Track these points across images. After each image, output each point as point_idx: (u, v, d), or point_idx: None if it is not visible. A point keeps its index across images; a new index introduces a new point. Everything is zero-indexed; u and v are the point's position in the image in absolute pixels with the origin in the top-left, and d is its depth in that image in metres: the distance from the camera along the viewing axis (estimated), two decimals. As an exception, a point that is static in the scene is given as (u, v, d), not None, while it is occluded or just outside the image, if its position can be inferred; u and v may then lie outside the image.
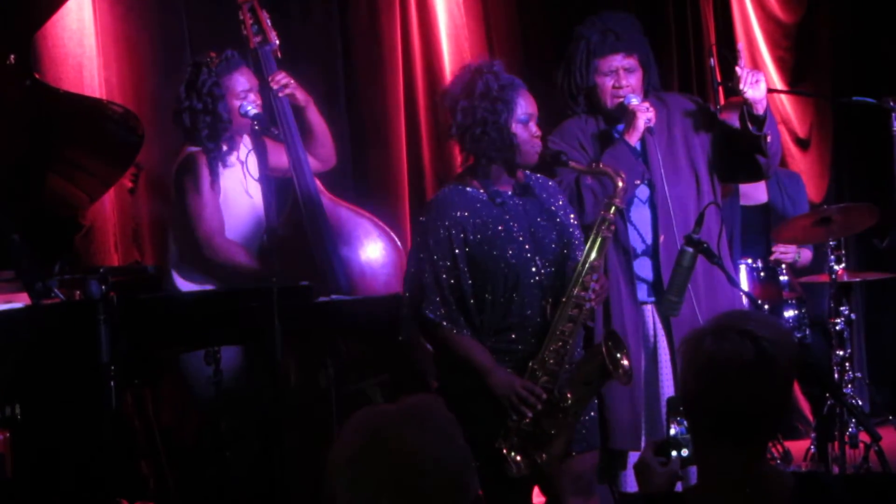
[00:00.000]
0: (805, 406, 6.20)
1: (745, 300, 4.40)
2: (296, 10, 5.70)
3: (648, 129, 4.28)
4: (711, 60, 6.33)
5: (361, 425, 2.01)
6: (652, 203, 4.35)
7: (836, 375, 5.44)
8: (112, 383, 3.81)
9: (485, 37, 6.24)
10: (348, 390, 4.21)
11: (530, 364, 3.75)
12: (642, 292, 4.35)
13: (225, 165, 4.61)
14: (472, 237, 3.77)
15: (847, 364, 5.48)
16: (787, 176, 6.15)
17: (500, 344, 3.79)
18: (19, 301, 4.08)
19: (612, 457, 4.28)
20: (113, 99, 5.06)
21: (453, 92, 3.87)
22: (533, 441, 3.72)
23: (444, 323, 3.75)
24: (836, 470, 5.25)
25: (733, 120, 4.39)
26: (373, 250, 4.77)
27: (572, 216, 3.97)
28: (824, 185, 7.05)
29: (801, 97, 7.01)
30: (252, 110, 4.54)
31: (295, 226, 4.67)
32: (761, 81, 4.25)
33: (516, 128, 3.81)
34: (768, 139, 4.30)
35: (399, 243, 4.81)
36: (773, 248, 5.81)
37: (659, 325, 4.33)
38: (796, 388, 6.07)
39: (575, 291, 3.77)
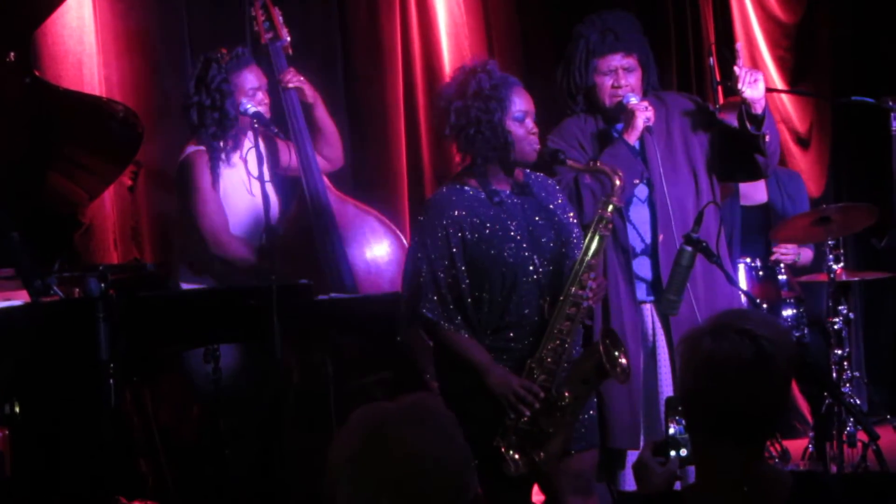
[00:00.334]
0: (803, 405, 6.20)
1: (743, 299, 4.41)
2: (295, 9, 5.70)
3: (647, 129, 4.29)
4: (710, 60, 6.33)
5: (361, 424, 2.01)
6: (651, 202, 4.35)
7: (834, 375, 5.45)
8: (111, 381, 3.82)
9: (485, 36, 6.24)
10: (348, 388, 4.21)
11: (528, 363, 3.76)
12: (641, 291, 4.35)
13: (228, 163, 4.62)
14: (469, 236, 3.78)
15: (845, 363, 5.48)
16: (786, 175, 6.15)
17: (498, 342, 3.80)
18: (19, 299, 4.08)
19: (611, 456, 4.28)
20: (113, 96, 5.06)
21: (447, 93, 3.88)
22: (531, 440, 3.73)
23: (442, 322, 3.75)
24: (834, 469, 5.25)
25: (732, 119, 4.39)
26: (378, 248, 4.78)
27: (571, 215, 3.97)
28: (823, 184, 7.05)
29: (801, 96, 7.02)
30: (252, 108, 4.54)
31: (299, 224, 4.68)
32: (760, 81, 4.25)
33: (511, 125, 3.81)
34: (767, 138, 4.30)
35: (405, 241, 4.82)
36: (774, 249, 5.81)
37: (658, 325, 4.34)
38: (794, 387, 6.07)
39: (572, 290, 3.78)
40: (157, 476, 4.58)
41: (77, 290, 4.21)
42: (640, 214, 4.36)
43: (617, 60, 4.37)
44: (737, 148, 4.37)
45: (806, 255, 5.92)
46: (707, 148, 4.43)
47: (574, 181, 4.23)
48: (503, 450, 3.71)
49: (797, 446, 5.78)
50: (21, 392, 3.87)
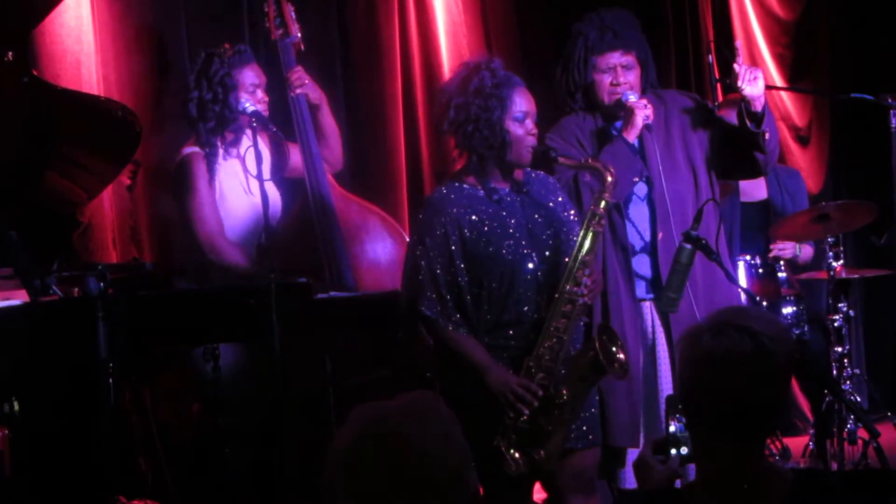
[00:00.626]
0: (804, 403, 6.20)
1: (743, 297, 4.40)
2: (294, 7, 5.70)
3: (647, 126, 4.28)
4: (710, 57, 6.32)
5: (361, 421, 2.01)
6: (650, 200, 4.35)
7: (834, 372, 5.45)
8: (110, 380, 3.81)
9: (483, 34, 6.24)
10: (348, 387, 4.21)
11: (526, 361, 3.75)
12: (641, 289, 4.35)
13: (226, 160, 4.61)
14: (468, 234, 3.78)
15: (845, 360, 5.48)
16: (786, 173, 6.15)
17: (497, 340, 3.80)
18: (17, 298, 4.08)
19: (611, 454, 4.28)
20: (111, 96, 5.06)
21: (449, 88, 3.88)
22: (531, 438, 3.72)
23: (440, 320, 3.75)
24: (834, 466, 5.25)
25: (731, 117, 4.39)
26: (381, 247, 4.78)
27: (572, 213, 3.97)
28: (823, 181, 7.05)
29: (800, 93, 7.01)
30: (250, 107, 4.54)
31: (301, 222, 4.67)
32: (759, 78, 4.25)
33: (511, 125, 3.81)
34: (766, 136, 4.30)
35: (407, 240, 4.82)
36: (772, 246, 5.81)
37: (658, 322, 4.33)
38: (795, 384, 6.08)
39: (567, 287, 3.77)
40: (156, 475, 4.58)
41: (76, 289, 4.21)
42: (639, 212, 4.36)
43: (616, 58, 4.36)
44: (736, 145, 4.37)
45: (806, 251, 5.92)
46: (706, 146, 4.43)
47: (573, 179, 4.23)
48: (503, 449, 3.71)
49: (798, 444, 5.78)
50: (20, 391, 3.87)
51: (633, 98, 4.31)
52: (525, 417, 3.71)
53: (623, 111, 4.32)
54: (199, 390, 4.31)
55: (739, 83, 4.22)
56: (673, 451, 2.56)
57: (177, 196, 4.65)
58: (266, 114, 4.60)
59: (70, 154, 4.48)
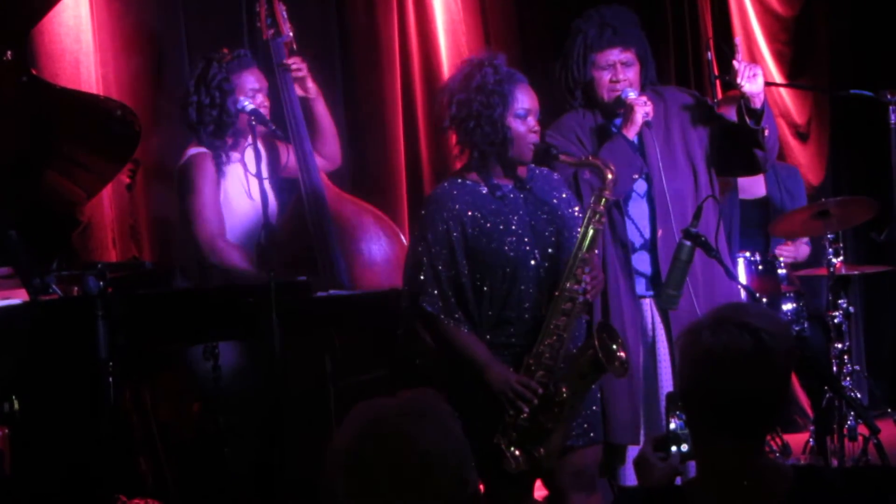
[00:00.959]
0: (804, 399, 6.20)
1: (743, 293, 4.40)
2: (293, 5, 5.68)
3: (646, 123, 4.28)
4: (709, 54, 6.32)
5: (361, 419, 2.00)
6: (650, 197, 4.35)
7: (834, 368, 5.45)
8: (110, 379, 3.81)
9: (482, 32, 6.24)
10: (347, 385, 4.21)
11: (526, 359, 3.75)
12: (641, 286, 4.35)
13: (228, 162, 4.61)
14: (470, 230, 3.77)
15: (845, 357, 5.48)
16: (785, 170, 6.15)
17: (499, 338, 3.79)
18: (17, 297, 4.07)
19: (612, 451, 4.28)
20: (110, 95, 5.06)
21: (451, 84, 3.87)
22: (531, 436, 3.72)
23: (442, 316, 3.75)
24: (835, 463, 5.25)
25: (731, 114, 4.39)
26: (376, 246, 4.77)
27: (576, 209, 3.95)
28: (822, 178, 7.06)
29: (800, 90, 7.02)
30: (249, 105, 4.53)
31: (297, 221, 4.67)
32: (759, 75, 4.25)
33: (512, 122, 3.80)
34: (766, 133, 4.30)
35: (403, 239, 4.81)
36: (776, 251, 5.81)
37: (658, 319, 4.33)
38: (795, 381, 6.08)
39: (567, 285, 3.77)
40: (156, 474, 4.58)
41: (76, 288, 4.20)
42: (639, 209, 4.36)
43: (615, 55, 4.36)
44: (736, 142, 4.37)
45: (803, 250, 5.92)
46: (706, 142, 4.42)
47: (574, 177, 4.23)
48: (503, 446, 3.70)
49: (798, 440, 5.78)
50: (20, 390, 3.87)
51: (632, 95, 4.31)
52: (525, 415, 3.71)
53: (622, 108, 4.32)
54: (198, 390, 4.31)
55: (739, 80, 4.22)
56: (673, 449, 2.56)
57: (180, 195, 4.65)
58: (267, 116, 4.59)
59: (69, 153, 4.48)
